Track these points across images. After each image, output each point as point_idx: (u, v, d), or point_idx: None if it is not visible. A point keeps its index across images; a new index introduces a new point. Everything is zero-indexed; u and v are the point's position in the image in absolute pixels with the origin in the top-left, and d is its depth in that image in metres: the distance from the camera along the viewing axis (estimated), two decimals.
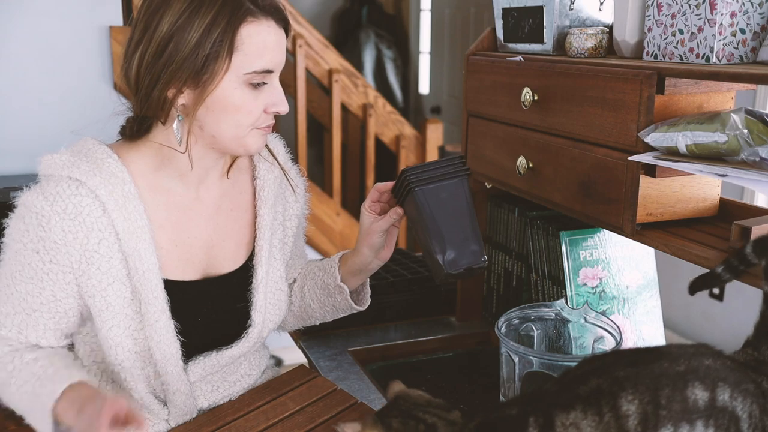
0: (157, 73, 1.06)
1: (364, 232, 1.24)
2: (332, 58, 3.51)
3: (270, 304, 1.28)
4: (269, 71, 1.10)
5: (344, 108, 3.60)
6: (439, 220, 1.14)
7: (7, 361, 1.14)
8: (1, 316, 1.16)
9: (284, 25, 1.12)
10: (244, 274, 1.26)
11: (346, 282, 1.31)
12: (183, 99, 1.09)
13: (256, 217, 1.27)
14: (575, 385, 0.83)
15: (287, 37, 1.14)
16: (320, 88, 4.00)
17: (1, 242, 1.15)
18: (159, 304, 1.14)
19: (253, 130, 1.12)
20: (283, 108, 1.12)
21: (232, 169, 1.25)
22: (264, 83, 1.11)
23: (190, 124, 1.11)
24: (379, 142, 3.68)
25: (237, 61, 1.06)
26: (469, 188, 1.18)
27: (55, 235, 1.08)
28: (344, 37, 5.40)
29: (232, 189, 1.26)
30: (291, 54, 3.47)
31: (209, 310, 1.22)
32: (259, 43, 1.07)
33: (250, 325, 1.25)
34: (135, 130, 1.16)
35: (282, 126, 4.45)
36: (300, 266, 1.42)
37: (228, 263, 1.25)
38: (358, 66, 5.12)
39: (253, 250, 1.26)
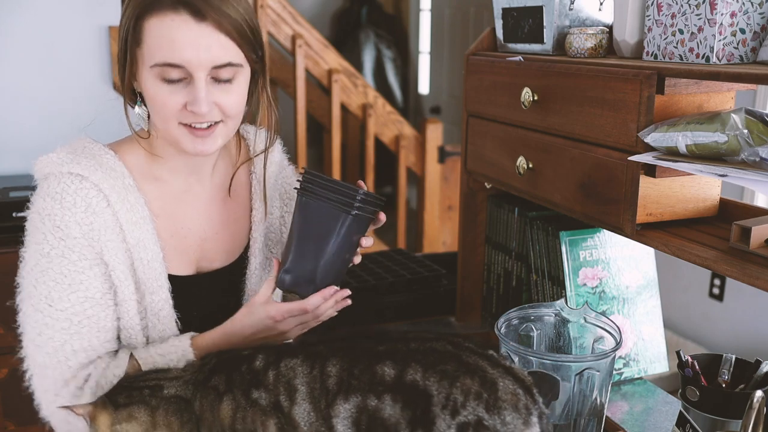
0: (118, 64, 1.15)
1: None
2: (332, 58, 3.51)
3: None
4: (174, 65, 1.06)
5: (344, 108, 3.60)
6: (298, 234, 1.12)
7: (97, 368, 1.12)
8: (56, 348, 1.11)
9: (206, 19, 1.05)
10: (240, 265, 1.27)
11: None
12: (137, 86, 1.13)
13: (251, 210, 1.28)
14: (314, 345, 1.00)
15: (223, 31, 1.06)
16: (320, 88, 4.00)
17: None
18: (162, 293, 1.15)
19: (181, 127, 1.11)
20: (197, 108, 1.07)
21: (231, 186, 1.27)
22: (177, 79, 1.07)
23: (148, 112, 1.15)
24: (378, 143, 3.68)
25: (143, 54, 1.08)
26: (353, 227, 1.11)
27: (73, 231, 1.09)
28: (344, 37, 5.40)
29: (225, 182, 1.27)
30: (291, 54, 3.47)
31: (206, 304, 1.23)
32: (159, 36, 1.06)
33: None
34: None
35: (282, 126, 4.45)
36: None
37: (222, 256, 1.26)
38: (358, 66, 5.12)
39: (249, 242, 1.28)
